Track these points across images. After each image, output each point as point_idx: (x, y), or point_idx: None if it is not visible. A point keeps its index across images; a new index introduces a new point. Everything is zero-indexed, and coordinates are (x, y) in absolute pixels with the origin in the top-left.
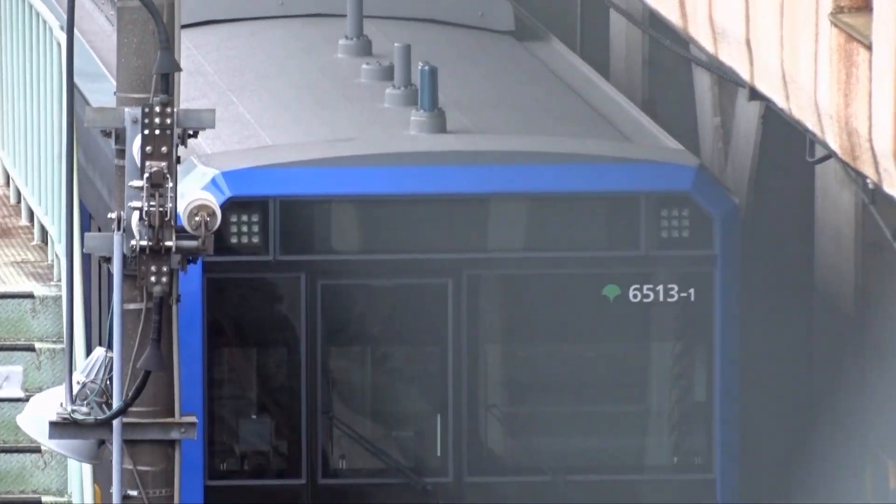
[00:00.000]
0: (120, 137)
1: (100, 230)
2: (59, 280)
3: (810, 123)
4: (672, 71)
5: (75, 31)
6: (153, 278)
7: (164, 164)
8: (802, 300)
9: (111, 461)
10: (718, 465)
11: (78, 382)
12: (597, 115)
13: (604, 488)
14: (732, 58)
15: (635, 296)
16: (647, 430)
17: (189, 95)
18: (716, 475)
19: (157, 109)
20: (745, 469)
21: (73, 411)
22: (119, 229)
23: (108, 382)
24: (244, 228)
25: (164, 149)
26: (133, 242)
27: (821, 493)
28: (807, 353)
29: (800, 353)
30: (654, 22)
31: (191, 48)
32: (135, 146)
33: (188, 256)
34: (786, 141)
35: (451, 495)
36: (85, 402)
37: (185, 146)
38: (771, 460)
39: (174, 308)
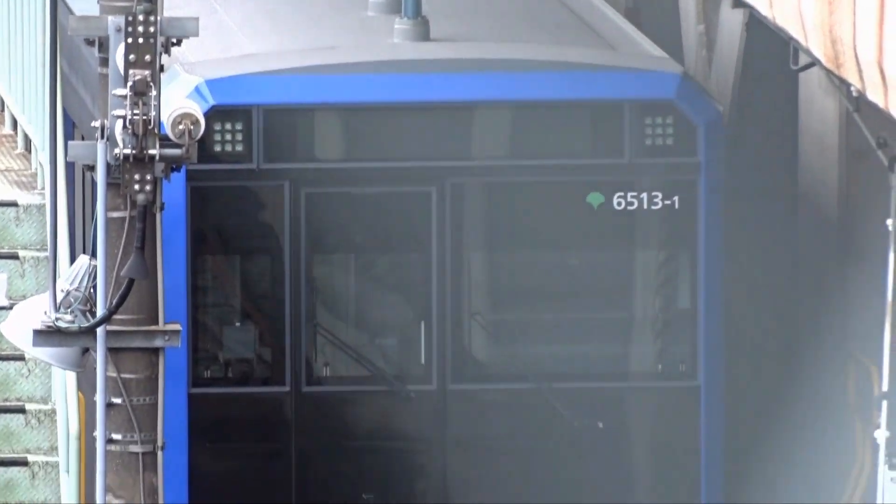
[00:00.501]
0: (103, 46)
1: (83, 138)
2: (43, 188)
3: (794, 31)
4: None
5: None
6: (137, 186)
7: (147, 72)
8: (786, 207)
9: (95, 369)
10: (703, 373)
11: (62, 290)
12: (581, 23)
13: (587, 396)
14: None
15: (619, 203)
16: (631, 337)
17: (173, 3)
18: (700, 382)
19: (141, 18)
20: (730, 376)
21: (57, 319)
22: (103, 137)
23: (91, 290)
24: (228, 136)
25: (147, 57)
26: (117, 151)
27: (804, 396)
28: (790, 260)
29: (783, 260)
30: None
31: None
32: (118, 54)
33: (172, 165)
34: (770, 49)
35: (435, 403)
36: (69, 310)
37: (169, 55)
38: (755, 365)
39: (158, 216)
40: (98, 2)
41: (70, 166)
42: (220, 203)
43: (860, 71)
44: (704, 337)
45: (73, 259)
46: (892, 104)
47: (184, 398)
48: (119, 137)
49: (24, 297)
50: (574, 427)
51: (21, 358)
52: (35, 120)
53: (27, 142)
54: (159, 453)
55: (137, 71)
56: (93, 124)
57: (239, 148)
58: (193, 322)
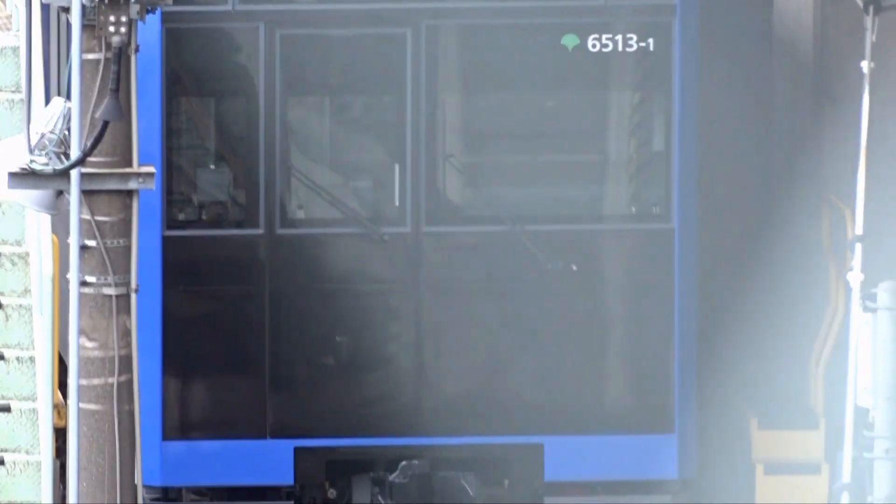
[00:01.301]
0: None
1: None
2: (18, 30)
3: None
4: None
5: None
6: (112, 28)
7: None
8: (761, 50)
9: (69, 211)
10: (677, 216)
11: (36, 133)
12: None
13: (561, 238)
14: None
15: (594, 45)
16: (605, 180)
17: None
18: (674, 225)
19: None
20: (703, 219)
21: (32, 161)
22: None
23: (66, 133)
24: None
25: None
26: None
27: (778, 239)
28: (766, 103)
29: (758, 103)
30: None
31: None
32: None
33: (147, 6)
34: None
35: (409, 245)
36: (43, 153)
37: None
38: (728, 208)
39: (133, 58)
40: None
41: (45, 8)
42: (196, 45)
43: None
44: (678, 179)
45: (47, 101)
46: None
47: (158, 241)
48: None
49: None
50: (548, 269)
51: None
52: None
53: None
54: (133, 296)
55: None
56: None
57: None
58: (167, 164)
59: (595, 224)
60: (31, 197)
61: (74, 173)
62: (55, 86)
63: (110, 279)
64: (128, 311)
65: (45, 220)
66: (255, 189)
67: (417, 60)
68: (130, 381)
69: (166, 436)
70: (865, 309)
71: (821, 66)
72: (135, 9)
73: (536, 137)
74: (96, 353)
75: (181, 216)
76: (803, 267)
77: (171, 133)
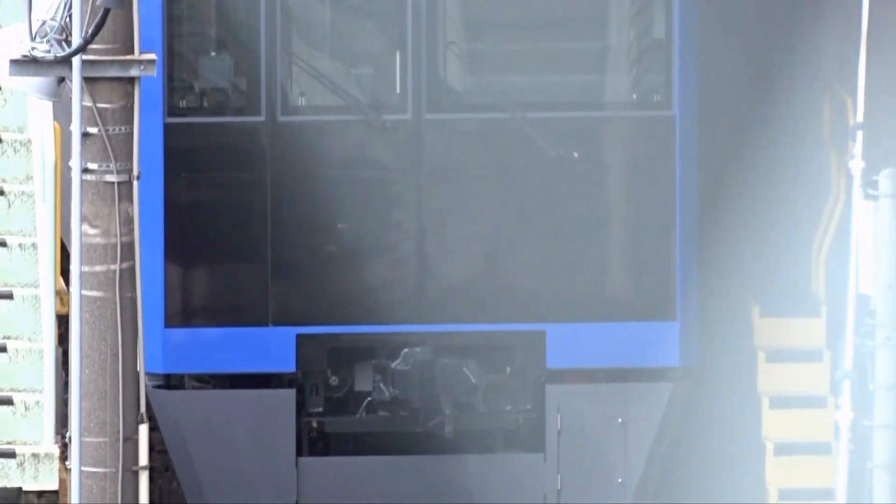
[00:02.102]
0: None
1: None
2: None
3: None
4: None
5: None
6: None
7: None
8: None
9: (70, 99)
10: (677, 102)
11: (38, 20)
12: None
13: (562, 125)
14: None
15: None
16: (605, 67)
17: None
18: (675, 112)
19: None
20: (704, 106)
21: (33, 49)
22: None
23: (67, 20)
24: None
25: None
26: None
27: (778, 128)
28: None
29: None
30: None
31: None
32: None
33: None
34: None
35: (410, 132)
36: (45, 40)
37: None
38: (729, 96)
39: None
40: None
41: None
42: None
43: None
44: (679, 66)
45: None
46: None
47: (160, 128)
48: None
49: None
50: (549, 157)
51: None
52: None
53: None
54: (135, 183)
55: None
56: None
57: None
58: (169, 51)
59: (596, 111)
60: (32, 84)
61: (76, 60)
62: None
63: (112, 166)
64: (130, 198)
65: (47, 107)
66: (256, 76)
67: None
68: (133, 268)
69: (168, 323)
70: (866, 197)
71: None
72: None
73: (537, 24)
74: (98, 240)
75: (183, 103)
76: (804, 155)
77: (172, 20)
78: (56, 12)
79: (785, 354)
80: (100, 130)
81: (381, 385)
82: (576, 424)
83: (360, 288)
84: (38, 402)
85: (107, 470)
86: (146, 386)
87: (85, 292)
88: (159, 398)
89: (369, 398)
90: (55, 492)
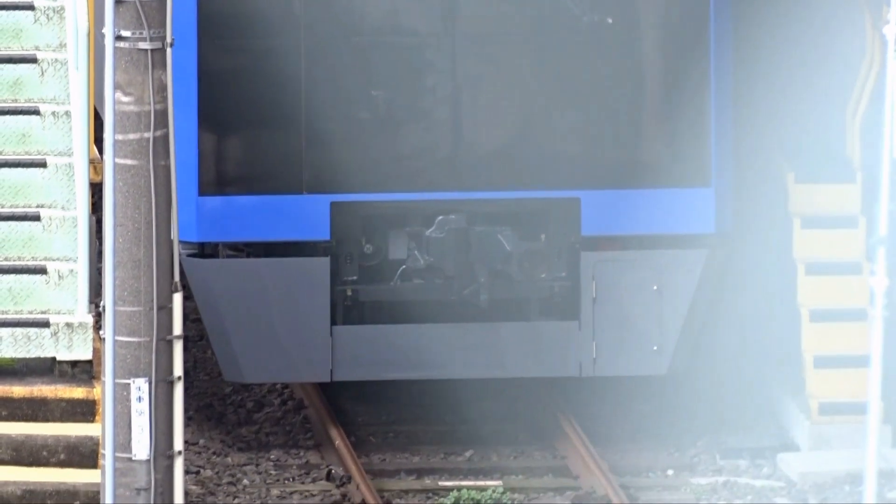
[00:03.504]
0: None
1: None
2: None
3: None
4: None
5: None
6: None
7: None
8: None
9: None
10: None
11: None
12: None
13: None
14: None
15: None
16: None
17: None
18: None
19: None
20: None
21: None
22: None
23: None
24: None
25: None
26: None
27: (809, 3)
28: None
29: None
30: None
31: None
32: None
33: None
34: None
35: None
36: None
37: None
38: None
39: None
40: None
41: None
42: None
43: None
44: None
45: None
46: None
47: None
48: None
49: None
50: (583, 22)
51: None
52: None
53: None
54: (168, 50)
55: None
56: None
57: None
58: None
59: None
60: None
61: None
62: None
63: (145, 33)
64: (163, 66)
65: None
66: None
67: None
68: (166, 136)
69: (202, 191)
70: None
71: None
72: None
73: None
74: (132, 108)
75: None
76: (839, 19)
77: None
78: None
79: (820, 221)
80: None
81: (416, 253)
82: (611, 292)
83: (394, 155)
84: (71, 271)
85: (141, 339)
86: (180, 254)
87: (118, 160)
88: (193, 266)
89: (403, 266)
90: (89, 361)
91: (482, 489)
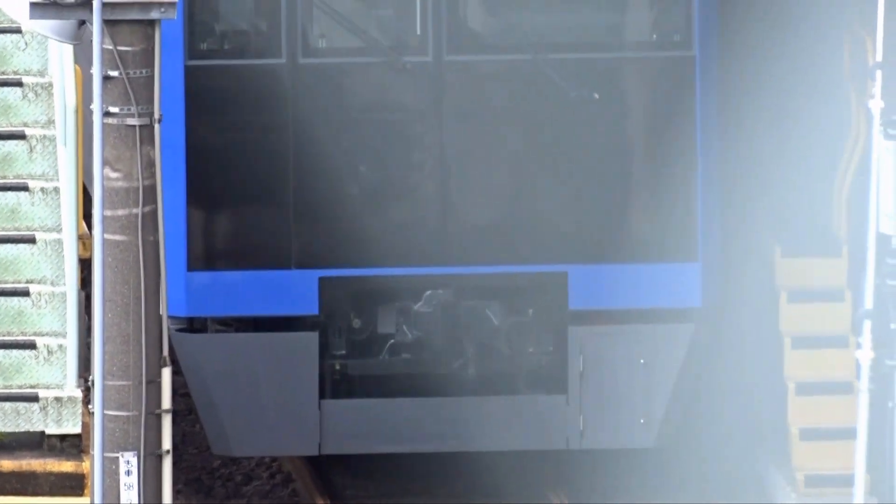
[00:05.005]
0: None
1: None
2: None
3: None
4: None
5: None
6: None
7: None
8: None
9: (91, 42)
10: (698, 43)
11: None
12: None
13: (583, 66)
14: None
15: None
16: (625, 6)
17: None
18: (695, 52)
19: None
20: (725, 46)
21: None
22: None
23: None
24: None
25: None
26: None
27: (800, 68)
28: None
29: None
30: None
31: None
32: None
33: None
34: None
35: (431, 74)
36: None
37: None
38: (750, 36)
39: None
40: None
41: None
42: None
43: None
44: (699, 6)
45: None
46: None
47: (181, 71)
48: None
49: None
50: (570, 98)
51: (18, 31)
52: None
53: None
54: (156, 126)
55: None
56: None
57: None
58: None
59: (616, 52)
60: (53, 27)
61: (96, 2)
62: None
63: (133, 109)
64: (151, 142)
65: (68, 50)
66: (277, 17)
67: None
68: (155, 212)
69: (191, 266)
70: (886, 136)
71: None
72: None
73: None
74: (121, 184)
75: (203, 45)
76: (825, 95)
77: None
78: None
79: (806, 294)
80: (121, 73)
81: (404, 327)
82: (598, 366)
83: (382, 230)
84: (60, 346)
85: (130, 413)
86: (169, 329)
87: (108, 236)
88: (182, 341)
89: (392, 340)
90: (78, 435)
91: None
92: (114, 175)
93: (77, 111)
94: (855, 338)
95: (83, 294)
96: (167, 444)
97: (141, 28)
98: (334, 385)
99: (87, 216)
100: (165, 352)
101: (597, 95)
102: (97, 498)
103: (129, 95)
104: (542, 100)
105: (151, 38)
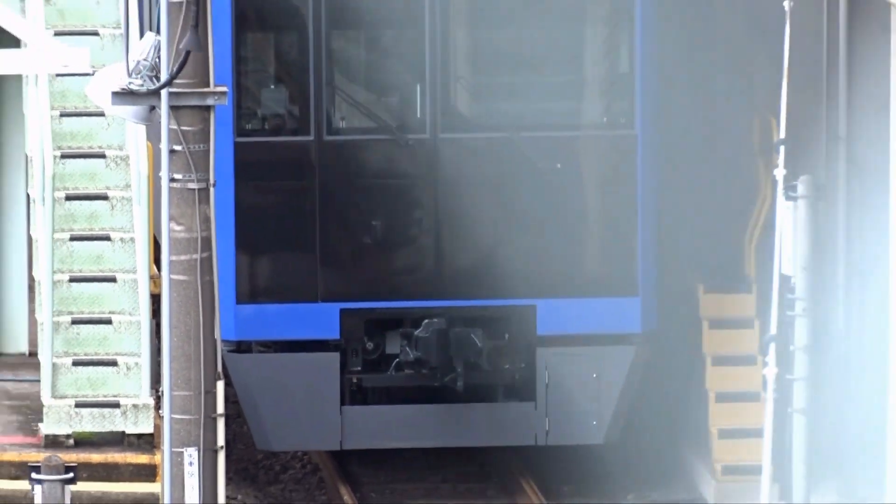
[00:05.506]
0: None
1: None
2: None
3: None
4: None
5: None
6: None
7: None
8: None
9: (160, 122)
10: (639, 124)
11: (133, 60)
12: None
13: (549, 143)
14: None
15: None
16: (583, 97)
17: None
18: (637, 131)
19: None
20: (662, 126)
21: (130, 83)
22: None
23: (157, 60)
24: None
25: None
26: None
27: (720, 145)
28: (708, 42)
29: (702, 44)
30: None
31: None
32: None
33: None
34: None
35: (428, 148)
36: (139, 76)
37: None
38: (683, 119)
39: (208, 1)
40: None
41: None
42: None
43: None
44: (641, 95)
45: (142, 36)
46: None
47: (230, 145)
48: None
49: (103, 66)
50: (538, 167)
51: (102, 114)
52: None
53: None
54: (211, 189)
55: None
56: None
57: None
58: (237, 85)
59: (575, 131)
60: (129, 111)
61: (164, 92)
62: (147, 23)
63: (193, 176)
64: (207, 202)
65: (141, 129)
66: (306, 104)
67: (434, 2)
68: (210, 257)
69: (239, 300)
70: (788, 198)
71: (751, 7)
72: None
73: (529, 62)
74: (183, 235)
75: (248, 126)
76: (740, 164)
77: (239, 60)
78: (148, 54)
79: (723, 322)
80: (183, 148)
81: (407, 349)
82: (560, 379)
83: (390, 271)
84: (136, 364)
85: (192, 417)
86: (221, 350)
87: (173, 276)
88: (232, 360)
89: (397, 359)
90: (151, 434)
91: None
92: (178, 228)
93: (148, 177)
94: (762, 357)
95: (154, 322)
96: (221, 441)
97: (199, 112)
98: (352, 394)
99: (157, 260)
100: (219, 368)
101: (559, 165)
102: (166, 484)
103: (190, 165)
104: (515, 168)
105: (207, 119)
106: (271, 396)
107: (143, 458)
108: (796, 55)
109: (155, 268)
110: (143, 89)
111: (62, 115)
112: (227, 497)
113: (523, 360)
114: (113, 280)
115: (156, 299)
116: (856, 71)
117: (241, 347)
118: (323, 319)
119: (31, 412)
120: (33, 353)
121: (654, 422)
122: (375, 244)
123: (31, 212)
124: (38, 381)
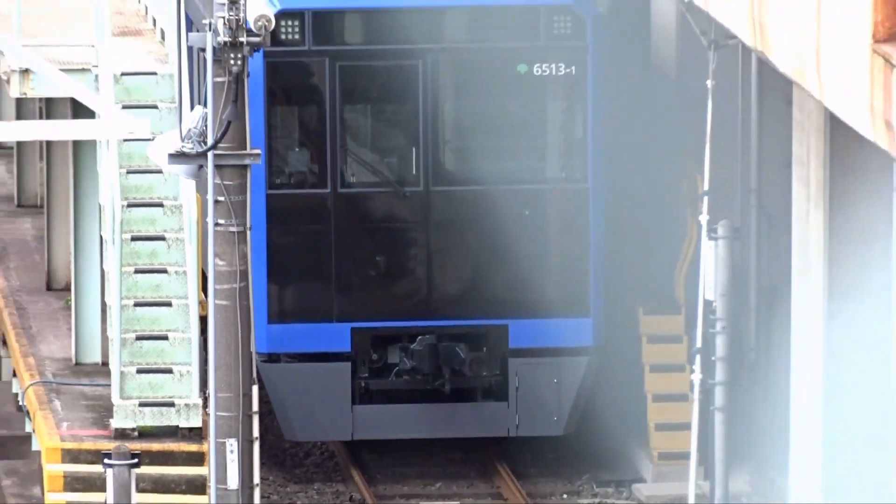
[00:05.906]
0: None
1: (198, 31)
2: (172, 63)
3: None
4: None
5: None
6: (232, 61)
7: None
8: (644, 73)
9: (206, 178)
10: (591, 180)
11: (185, 128)
12: None
13: (519, 194)
14: None
15: (537, 71)
16: (545, 157)
17: None
18: (589, 185)
19: None
20: (609, 182)
21: (183, 146)
22: (210, 30)
23: (204, 128)
24: (289, 29)
25: None
26: (219, 38)
27: (654, 198)
28: (645, 111)
29: (637, 111)
30: None
31: None
32: None
33: (254, 47)
34: None
35: (422, 198)
36: (190, 141)
37: None
38: (627, 176)
39: (245, 81)
40: None
41: (190, 49)
42: (286, 72)
43: None
44: (592, 156)
45: (192, 108)
46: None
47: (263, 196)
48: (221, 30)
49: (161, 132)
50: (510, 213)
51: (160, 171)
52: (166, 18)
53: (162, 33)
54: (248, 232)
55: None
56: (203, 21)
57: (296, 36)
58: (269, 148)
59: (540, 185)
60: (182, 169)
61: (210, 154)
62: (196, 98)
63: (233, 221)
64: (244, 242)
65: (191, 183)
66: (324, 162)
67: (426, 81)
68: (247, 286)
69: (270, 320)
70: (710, 238)
71: (683, 83)
72: (246, 49)
73: (502, 131)
74: (225, 269)
75: (278, 181)
76: (672, 212)
77: (270, 128)
78: (197, 123)
79: (659, 338)
80: (225, 199)
81: (405, 359)
82: (527, 383)
83: (391, 297)
84: (188, 371)
85: (232, 414)
86: (256, 360)
87: (217, 302)
88: (264, 368)
89: (397, 367)
90: (199, 428)
91: None
92: (220, 263)
93: (197, 222)
94: (690, 366)
95: (201, 338)
96: (256, 433)
97: (238, 169)
98: (361, 396)
99: (204, 289)
100: (254, 375)
101: (527, 212)
102: (212, 467)
103: (231, 213)
104: (492, 214)
105: (244, 176)
106: (296, 397)
107: (193, 447)
108: (717, 123)
109: (202, 295)
110: (193, 151)
111: (128, 172)
112: (261, 478)
113: (498, 368)
114: (169, 305)
115: (203, 320)
116: (764, 136)
117: (271, 358)
118: (337, 336)
119: (103, 410)
120: (105, 363)
121: (604, 417)
122: (380, 275)
123: (104, 250)
124: (109, 385)
